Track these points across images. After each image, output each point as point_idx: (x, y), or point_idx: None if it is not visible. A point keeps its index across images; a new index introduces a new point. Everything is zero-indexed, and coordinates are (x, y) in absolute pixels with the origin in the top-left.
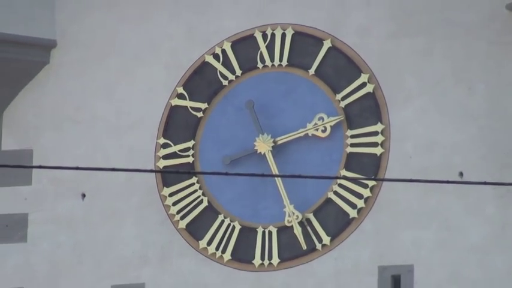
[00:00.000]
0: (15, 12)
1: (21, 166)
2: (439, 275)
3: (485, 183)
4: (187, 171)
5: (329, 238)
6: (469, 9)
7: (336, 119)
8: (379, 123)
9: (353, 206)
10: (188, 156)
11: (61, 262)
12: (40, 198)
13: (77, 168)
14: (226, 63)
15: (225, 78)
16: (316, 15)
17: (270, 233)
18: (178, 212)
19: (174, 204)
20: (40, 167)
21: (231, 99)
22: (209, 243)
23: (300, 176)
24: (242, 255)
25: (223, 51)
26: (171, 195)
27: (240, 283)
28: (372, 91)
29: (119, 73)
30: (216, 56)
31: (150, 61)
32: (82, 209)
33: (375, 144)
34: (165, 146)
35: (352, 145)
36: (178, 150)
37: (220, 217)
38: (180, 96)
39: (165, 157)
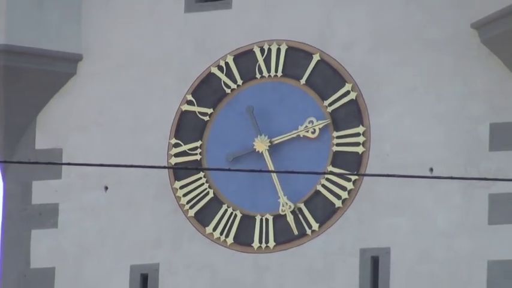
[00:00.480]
0: (47, 30)
1: (53, 163)
2: (412, 256)
3: (451, 177)
4: (195, 167)
5: (318, 224)
6: (439, 27)
7: (324, 122)
8: (360, 126)
9: (338, 197)
10: (196, 154)
11: (87, 245)
12: (69, 191)
13: (101, 165)
14: (229, 74)
15: (228, 87)
16: (307, 32)
17: (267, 220)
18: (188, 202)
19: (184, 195)
20: (68, 164)
21: (233, 105)
22: (214, 229)
23: (292, 172)
24: (243, 239)
25: (227, 64)
26: (181, 187)
27: (241, 263)
28: (354, 98)
29: (136, 82)
30: (220, 68)
31: (163, 72)
32: (105, 199)
33: (357, 144)
34: (176, 145)
35: (338, 145)
36: (188, 149)
37: (224, 207)
38: (189, 103)
39: (176, 155)
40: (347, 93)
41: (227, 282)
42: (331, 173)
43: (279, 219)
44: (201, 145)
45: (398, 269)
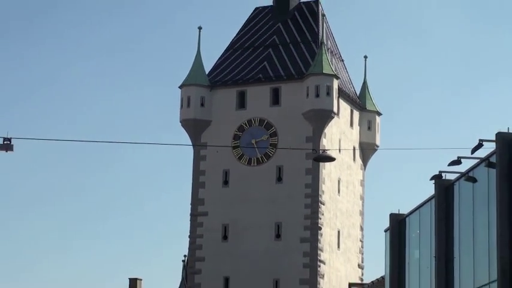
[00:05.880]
0: (203, 110)
1: (206, 145)
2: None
3: (298, 148)
4: (237, 146)
5: (266, 160)
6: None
7: (267, 137)
8: (276, 137)
9: (270, 153)
10: (238, 145)
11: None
12: (209, 153)
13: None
14: (246, 124)
15: (245, 129)
16: (264, 115)
17: (256, 159)
18: (237, 155)
19: (236, 153)
20: (207, 145)
21: (246, 133)
22: (243, 161)
23: (261, 147)
24: (249, 163)
25: (245, 122)
26: (236, 153)
27: (250, 170)
28: (274, 131)
29: (226, 131)
30: (244, 124)
31: (228, 126)
32: (216, 156)
33: (275, 142)
34: (234, 143)
35: (271, 141)
36: (235, 144)
37: (244, 156)
38: (236, 131)
39: (234, 145)
40: (272, 129)
41: (246, 176)
42: (272, 148)
43: (258, 161)
44: (239, 142)
45: (286, 170)
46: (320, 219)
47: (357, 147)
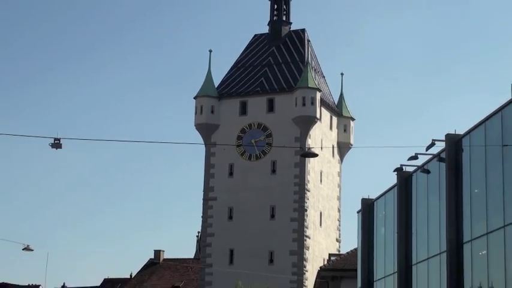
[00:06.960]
0: (213, 116)
1: (214, 144)
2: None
3: (289, 146)
4: (239, 145)
5: (262, 156)
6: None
7: (264, 137)
8: (271, 138)
9: (267, 149)
10: (241, 144)
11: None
12: (219, 151)
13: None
14: (247, 126)
15: (246, 131)
16: (260, 119)
17: (255, 155)
18: (240, 151)
19: (239, 149)
20: (213, 144)
21: (247, 135)
22: (245, 157)
23: (260, 146)
24: (250, 157)
25: (247, 126)
26: (239, 150)
27: (251, 163)
28: (270, 133)
29: (230, 131)
30: (246, 127)
31: (232, 133)
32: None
33: (270, 143)
34: (238, 143)
35: (267, 141)
36: (238, 143)
37: (246, 153)
38: (239, 133)
39: (237, 142)
40: (268, 131)
41: (247, 168)
42: (268, 146)
43: (257, 156)
44: (241, 142)
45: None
46: (306, 203)
47: (335, 145)
